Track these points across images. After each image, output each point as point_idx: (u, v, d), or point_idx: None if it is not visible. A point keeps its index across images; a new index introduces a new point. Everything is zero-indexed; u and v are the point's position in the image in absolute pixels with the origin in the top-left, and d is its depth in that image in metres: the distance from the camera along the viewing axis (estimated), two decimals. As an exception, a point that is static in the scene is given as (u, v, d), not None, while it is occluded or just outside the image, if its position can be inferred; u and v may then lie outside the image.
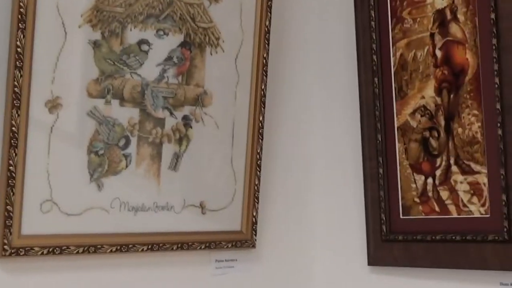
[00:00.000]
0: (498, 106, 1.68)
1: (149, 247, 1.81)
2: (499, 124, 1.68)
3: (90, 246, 1.72)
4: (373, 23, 1.97)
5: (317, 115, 2.17)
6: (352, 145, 2.05)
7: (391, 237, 1.92)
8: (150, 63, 1.81)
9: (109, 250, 1.74)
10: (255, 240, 1.99)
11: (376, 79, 1.96)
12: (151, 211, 1.82)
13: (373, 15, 1.97)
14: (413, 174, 1.89)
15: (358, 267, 2.03)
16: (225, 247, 1.93)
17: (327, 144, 2.14)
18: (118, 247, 1.76)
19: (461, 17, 1.78)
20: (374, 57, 1.97)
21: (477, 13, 1.74)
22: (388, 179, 1.94)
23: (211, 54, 1.91)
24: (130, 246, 1.78)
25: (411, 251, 1.88)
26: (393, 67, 1.94)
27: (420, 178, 1.87)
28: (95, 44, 1.73)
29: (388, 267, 1.96)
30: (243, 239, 1.97)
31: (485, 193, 1.73)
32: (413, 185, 1.89)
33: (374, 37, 1.97)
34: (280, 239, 2.08)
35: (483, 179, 1.73)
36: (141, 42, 1.80)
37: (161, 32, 1.83)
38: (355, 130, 2.03)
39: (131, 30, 1.78)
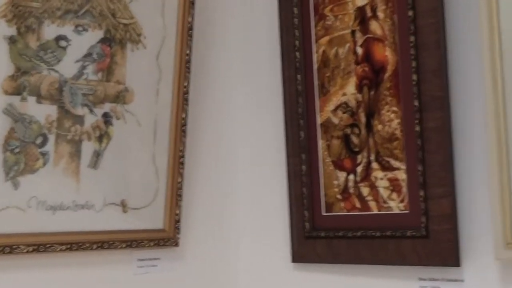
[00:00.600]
0: (416, 103, 1.68)
1: (68, 246, 1.76)
2: (417, 121, 1.68)
3: (6, 247, 1.67)
4: (296, 20, 1.96)
5: (241, 112, 2.15)
6: (276, 142, 2.04)
7: (314, 233, 1.92)
8: (68, 60, 1.77)
9: (25, 250, 1.69)
10: (178, 238, 1.97)
11: (299, 76, 1.95)
12: (70, 210, 1.77)
13: (296, 12, 1.96)
14: (335, 171, 1.89)
15: (282, 264, 2.02)
16: (147, 245, 1.90)
17: (251, 141, 2.12)
18: (35, 247, 1.71)
19: (380, 14, 1.78)
20: (297, 54, 1.96)
21: (396, 11, 1.75)
22: (311, 176, 1.93)
23: (132, 50, 1.87)
24: (48, 246, 1.73)
25: (333, 248, 1.88)
26: (316, 64, 1.93)
27: (342, 175, 1.87)
28: (11, 40, 1.68)
29: (312, 264, 1.95)
30: (165, 238, 1.94)
31: (404, 189, 1.73)
32: (335, 182, 1.88)
33: (297, 34, 1.96)
34: (204, 237, 2.06)
35: (402, 175, 1.73)
36: (59, 38, 1.75)
37: (80, 28, 1.79)
38: (278, 127, 2.02)
39: (48, 25, 1.74)
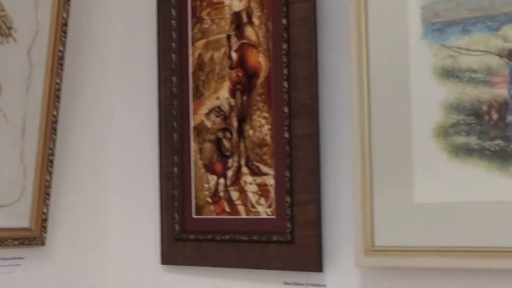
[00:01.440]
0: (286, 110, 1.69)
1: None
2: (286, 128, 1.68)
3: None
4: (173, 21, 1.94)
5: (116, 111, 2.10)
6: (150, 143, 2.01)
7: (183, 236, 1.90)
8: None
9: None
10: (45, 237, 1.90)
11: (174, 78, 1.93)
12: None
13: (174, 13, 1.94)
14: (206, 174, 1.87)
15: (151, 265, 2.00)
16: (11, 244, 1.83)
17: (125, 141, 2.08)
18: None
19: (256, 20, 1.78)
20: (173, 56, 1.93)
21: (271, 18, 1.75)
22: (183, 178, 1.91)
23: (2, 44, 1.80)
24: None
25: (202, 250, 1.86)
26: (191, 67, 1.91)
27: (212, 178, 1.86)
28: None
29: (181, 266, 1.93)
30: (31, 237, 1.87)
31: (272, 194, 1.73)
32: (206, 185, 1.87)
33: (174, 36, 1.94)
34: (72, 237, 2.00)
35: (270, 181, 1.73)
36: None
37: None
38: (153, 128, 1.99)
39: None
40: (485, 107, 1.45)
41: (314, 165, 1.65)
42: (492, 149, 1.43)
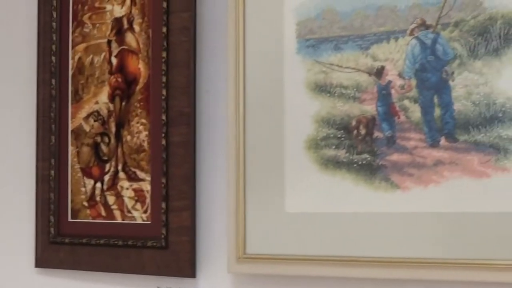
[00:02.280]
0: (163, 117, 1.69)
1: None
2: (163, 135, 1.68)
3: None
4: (54, 24, 1.90)
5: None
6: (28, 145, 1.96)
7: (58, 239, 1.87)
8: None
9: None
10: None
11: (53, 81, 1.89)
12: None
13: (54, 16, 1.90)
14: (83, 178, 1.85)
15: (25, 268, 1.96)
16: None
17: (2, 142, 2.03)
18: None
19: (137, 27, 1.77)
20: (53, 58, 1.90)
21: (151, 26, 1.74)
22: (59, 182, 1.88)
23: None
24: None
25: (77, 254, 1.84)
26: (71, 70, 1.88)
27: (89, 182, 1.84)
28: None
29: (55, 270, 1.90)
30: None
31: (148, 200, 1.73)
32: (83, 189, 1.85)
33: (54, 38, 1.90)
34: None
35: (146, 186, 1.73)
36: None
37: None
38: (31, 130, 1.95)
39: None
40: (354, 122, 1.49)
41: (189, 173, 1.66)
42: (360, 162, 1.48)
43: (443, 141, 1.42)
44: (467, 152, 1.40)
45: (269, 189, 1.55)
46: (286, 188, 1.54)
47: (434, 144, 1.43)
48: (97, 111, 1.83)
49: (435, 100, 1.43)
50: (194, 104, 1.67)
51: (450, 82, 1.42)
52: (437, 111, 1.43)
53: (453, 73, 1.42)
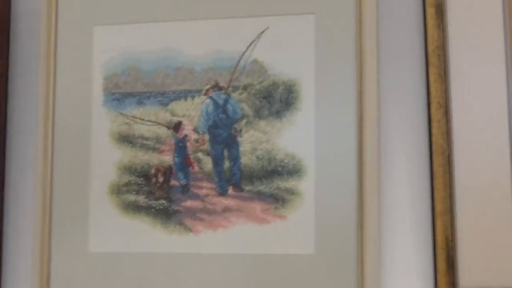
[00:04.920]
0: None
1: None
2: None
3: None
4: None
5: None
6: None
7: None
8: None
9: None
10: None
11: None
12: None
13: None
14: None
15: None
16: None
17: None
18: None
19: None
20: None
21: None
22: None
23: None
24: None
25: None
26: None
27: None
28: None
29: None
30: None
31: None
32: None
33: None
34: None
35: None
36: None
37: None
38: None
39: None
40: (153, 171, 1.59)
41: (-2, 210, 1.69)
42: (157, 207, 1.58)
43: (231, 190, 1.56)
44: (251, 201, 1.54)
45: (74, 230, 1.62)
46: (89, 229, 1.61)
47: (223, 193, 1.56)
48: None
49: (225, 153, 1.57)
50: (4, 144, 1.70)
51: (238, 138, 1.56)
52: (227, 164, 1.56)
53: (241, 130, 1.56)
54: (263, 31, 1.57)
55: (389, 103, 1.56)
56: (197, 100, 1.59)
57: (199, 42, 1.60)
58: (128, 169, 1.61)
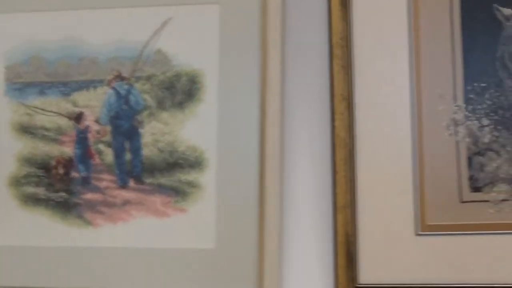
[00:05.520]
0: None
1: None
2: None
3: None
4: None
5: None
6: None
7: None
8: None
9: None
10: None
11: None
12: None
13: None
14: None
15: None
16: None
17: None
18: None
19: None
20: None
21: None
22: None
23: None
24: None
25: None
26: None
27: None
28: None
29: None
30: None
31: None
32: None
33: None
34: None
35: None
36: None
37: None
38: None
39: None
40: (54, 162, 1.55)
41: None
42: (57, 200, 1.54)
43: (131, 183, 1.51)
44: (151, 194, 1.50)
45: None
46: None
47: (123, 186, 1.51)
48: None
49: (127, 145, 1.52)
50: None
51: (140, 130, 1.52)
52: (128, 156, 1.52)
53: (143, 121, 1.52)
54: (167, 21, 1.53)
55: (293, 95, 1.52)
56: (100, 90, 1.54)
57: (103, 31, 1.55)
58: (28, 160, 1.56)
